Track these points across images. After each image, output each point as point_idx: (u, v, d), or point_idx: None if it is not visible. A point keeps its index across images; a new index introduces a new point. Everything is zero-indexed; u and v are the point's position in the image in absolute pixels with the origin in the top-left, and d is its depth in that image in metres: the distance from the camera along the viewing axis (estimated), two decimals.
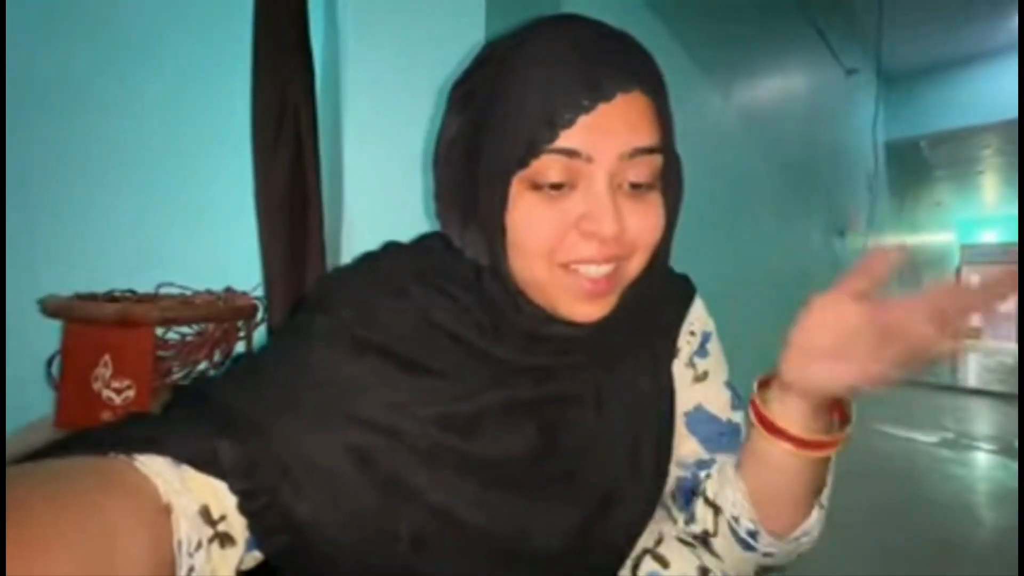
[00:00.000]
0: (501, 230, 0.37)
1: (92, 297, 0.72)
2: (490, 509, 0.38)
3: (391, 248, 0.47)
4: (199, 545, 0.29)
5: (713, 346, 0.52)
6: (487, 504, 0.38)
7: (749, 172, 2.67)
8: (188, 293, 0.82)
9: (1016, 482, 2.41)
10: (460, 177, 0.40)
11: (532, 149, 0.35)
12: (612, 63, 0.36)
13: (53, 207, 0.80)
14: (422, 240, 0.48)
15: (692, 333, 0.51)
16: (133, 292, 0.80)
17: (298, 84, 0.82)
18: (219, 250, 0.91)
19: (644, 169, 0.37)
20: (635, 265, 0.40)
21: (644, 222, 0.38)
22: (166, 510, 0.28)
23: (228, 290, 0.84)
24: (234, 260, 0.89)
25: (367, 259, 0.46)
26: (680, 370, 0.50)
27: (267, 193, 0.82)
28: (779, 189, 2.96)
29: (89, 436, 0.29)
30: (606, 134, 0.35)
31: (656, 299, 0.48)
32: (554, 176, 0.36)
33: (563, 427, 0.42)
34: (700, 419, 0.49)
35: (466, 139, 0.39)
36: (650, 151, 0.37)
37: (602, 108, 0.35)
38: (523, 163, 0.35)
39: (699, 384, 0.50)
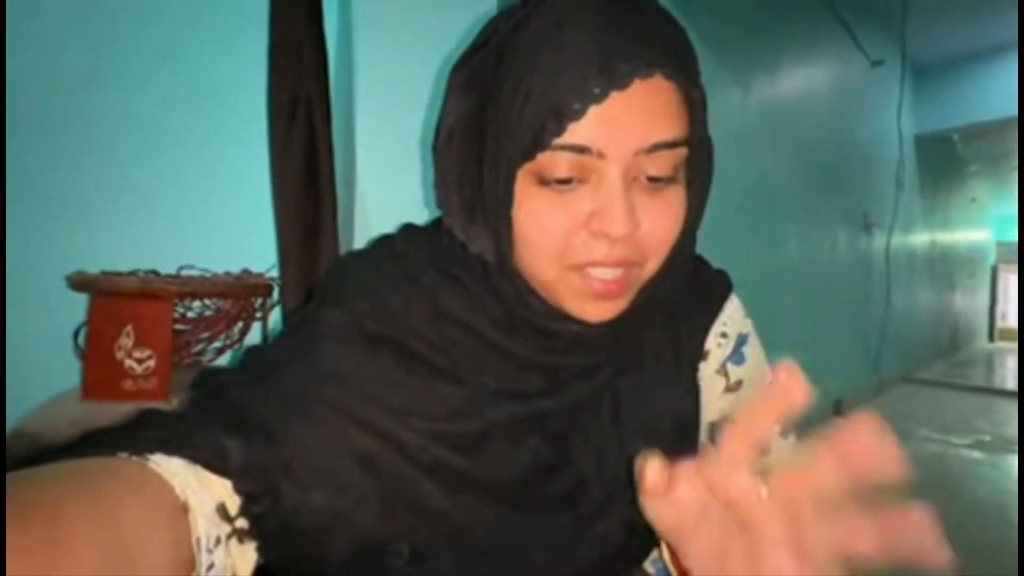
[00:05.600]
0: (507, 225, 0.35)
1: (117, 275, 0.75)
2: (494, 526, 0.37)
3: (406, 231, 0.46)
4: (218, 541, 0.29)
5: (751, 350, 0.47)
6: (491, 521, 0.37)
7: (771, 167, 2.62)
8: (208, 275, 0.85)
9: None
10: (463, 167, 0.37)
11: (537, 143, 0.32)
12: (629, 42, 0.31)
13: (83, 193, 0.84)
14: (438, 222, 0.45)
15: (724, 335, 0.46)
16: (156, 273, 0.83)
17: (312, 74, 0.84)
18: (237, 236, 0.94)
19: (665, 163, 0.33)
20: (649, 269, 0.37)
21: (660, 222, 0.35)
22: (183, 508, 0.27)
23: (245, 271, 0.87)
24: (251, 245, 0.92)
25: (382, 242, 0.45)
26: (710, 376, 0.45)
27: (282, 179, 0.85)
28: (803, 184, 2.90)
29: (102, 437, 0.29)
30: (621, 127, 0.31)
31: (683, 297, 0.44)
32: (562, 171, 0.32)
33: (575, 436, 0.40)
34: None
35: (469, 126, 0.37)
36: (672, 145, 0.33)
37: (616, 97, 0.31)
38: (528, 156, 0.32)
39: (731, 395, 0.45)
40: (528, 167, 0.33)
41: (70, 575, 0.21)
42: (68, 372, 0.70)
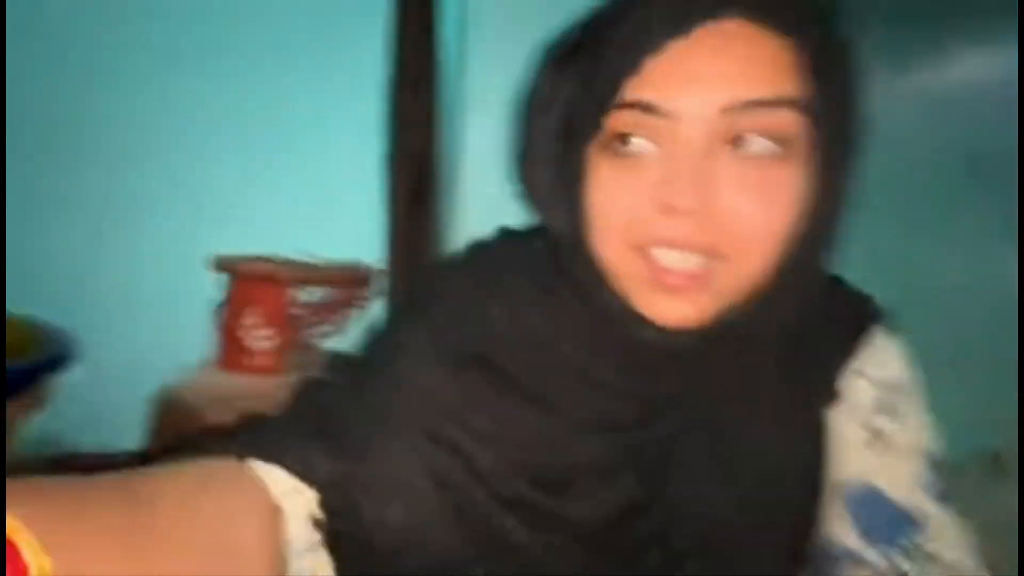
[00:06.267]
0: (578, 201, 0.33)
1: (249, 260, 0.83)
2: (577, 566, 0.35)
3: (502, 237, 0.44)
4: (308, 547, 0.30)
5: (907, 405, 0.38)
6: (574, 561, 0.35)
7: (918, 162, 2.26)
8: (321, 264, 0.92)
9: None
10: (544, 144, 0.36)
11: (603, 106, 0.30)
12: None
13: (221, 188, 0.95)
14: (536, 227, 0.43)
15: (863, 375, 0.38)
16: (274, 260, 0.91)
17: (426, 73, 0.88)
18: (348, 227, 0.99)
19: (762, 129, 0.28)
20: (745, 267, 0.30)
21: (752, 203, 0.28)
22: (277, 511, 0.29)
23: (354, 261, 0.93)
24: (361, 237, 0.98)
25: (476, 250, 0.44)
26: (847, 426, 0.38)
27: (395, 174, 0.90)
28: (950, 184, 2.46)
29: (203, 441, 0.32)
30: (691, 81, 0.27)
31: (813, 321, 0.37)
32: (628, 134, 0.30)
33: (668, 473, 0.37)
34: (865, 499, 0.37)
35: (554, 100, 0.36)
36: (769, 104, 0.27)
37: (679, 46, 0.27)
38: (595, 124, 0.30)
39: (873, 451, 0.37)
40: (600, 138, 0.31)
41: (176, 571, 0.24)
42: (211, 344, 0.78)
